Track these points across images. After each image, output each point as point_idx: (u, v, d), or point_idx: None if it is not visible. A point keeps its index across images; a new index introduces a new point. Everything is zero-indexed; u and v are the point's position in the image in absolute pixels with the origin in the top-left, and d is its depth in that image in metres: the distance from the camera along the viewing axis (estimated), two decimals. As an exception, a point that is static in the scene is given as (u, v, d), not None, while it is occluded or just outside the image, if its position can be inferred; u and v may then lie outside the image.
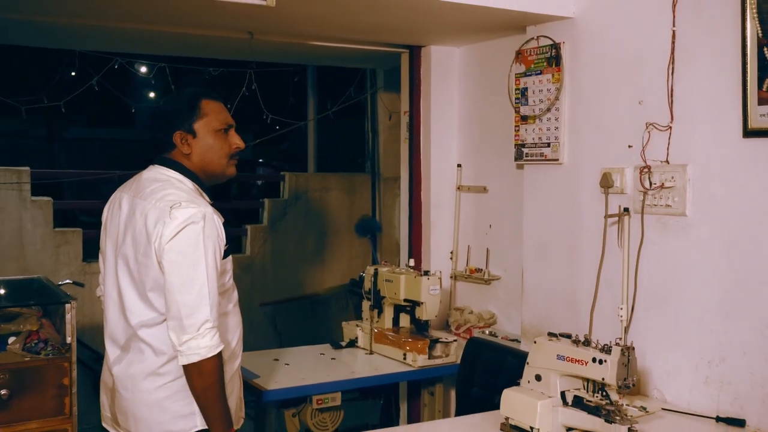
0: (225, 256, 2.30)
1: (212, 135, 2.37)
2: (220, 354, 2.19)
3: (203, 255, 2.18)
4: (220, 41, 4.23)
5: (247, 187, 12.37)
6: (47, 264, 5.44)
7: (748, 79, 2.53)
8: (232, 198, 8.16)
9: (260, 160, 15.19)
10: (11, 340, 2.63)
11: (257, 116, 5.79)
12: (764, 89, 2.50)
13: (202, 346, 2.14)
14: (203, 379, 2.17)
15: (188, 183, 2.34)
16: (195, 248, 2.18)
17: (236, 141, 2.43)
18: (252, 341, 4.82)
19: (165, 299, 2.19)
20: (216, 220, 2.26)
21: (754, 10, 2.49)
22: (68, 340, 2.57)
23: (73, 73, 5.84)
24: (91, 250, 5.70)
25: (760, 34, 2.49)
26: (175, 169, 2.35)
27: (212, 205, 2.33)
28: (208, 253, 2.19)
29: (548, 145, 3.36)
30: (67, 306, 2.58)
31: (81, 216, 9.22)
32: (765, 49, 2.48)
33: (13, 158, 5.59)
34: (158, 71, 5.81)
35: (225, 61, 5.77)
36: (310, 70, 7.07)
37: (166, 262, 2.17)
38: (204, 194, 2.37)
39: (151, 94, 9.82)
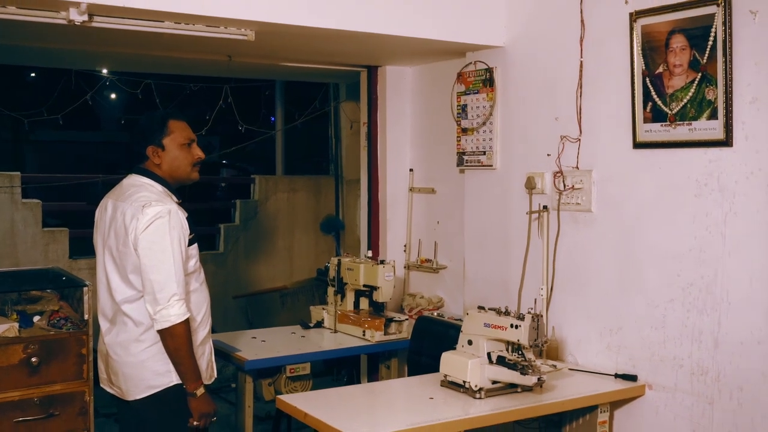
0: (190, 243, 2.83)
1: (178, 148, 2.89)
2: (187, 321, 2.72)
3: (170, 242, 2.69)
4: (201, 62, 4.68)
5: (213, 188, 12.60)
6: (38, 261, 5.84)
7: (636, 102, 3.14)
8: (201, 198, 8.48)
9: (224, 162, 15.43)
10: (36, 318, 3.13)
11: (229, 123, 6.22)
12: (647, 110, 3.11)
13: (172, 314, 2.66)
14: (174, 341, 2.69)
15: (158, 187, 2.87)
16: (162, 237, 2.68)
17: (198, 152, 2.96)
18: (226, 331, 5.26)
19: (141, 279, 2.72)
20: (180, 215, 2.78)
21: (639, 48, 3.11)
22: (86, 317, 3.08)
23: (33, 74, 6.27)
24: (78, 248, 6.14)
25: (644, 68, 3.10)
26: (147, 177, 2.88)
27: (179, 203, 2.85)
28: (173, 241, 2.70)
29: (484, 153, 3.93)
30: (85, 289, 3.10)
31: (47, 218, 9.43)
32: (647, 79, 3.09)
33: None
34: (144, 87, 6.26)
35: (204, 78, 6.20)
36: (278, 83, 7.48)
37: (140, 250, 2.69)
38: (172, 195, 2.89)
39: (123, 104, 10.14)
